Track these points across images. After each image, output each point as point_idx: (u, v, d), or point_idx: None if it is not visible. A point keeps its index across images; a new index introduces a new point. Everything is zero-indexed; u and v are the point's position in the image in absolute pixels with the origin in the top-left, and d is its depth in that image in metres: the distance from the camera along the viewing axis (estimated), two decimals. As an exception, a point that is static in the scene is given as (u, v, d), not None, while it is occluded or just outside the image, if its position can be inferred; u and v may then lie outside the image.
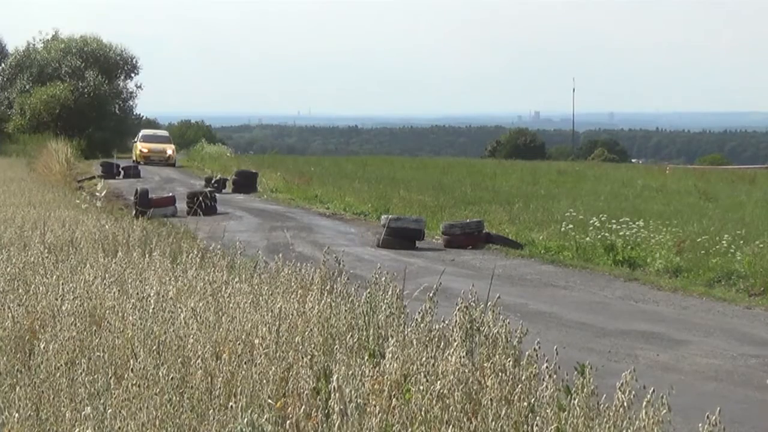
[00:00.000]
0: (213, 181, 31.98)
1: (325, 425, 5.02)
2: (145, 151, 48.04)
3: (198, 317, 6.72)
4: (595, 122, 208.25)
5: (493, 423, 4.90)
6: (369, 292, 6.97)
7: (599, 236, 17.60)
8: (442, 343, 6.16)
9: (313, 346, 6.23)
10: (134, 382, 5.21)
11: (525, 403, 5.14)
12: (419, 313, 6.42)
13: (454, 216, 21.88)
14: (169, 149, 49.18)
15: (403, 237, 18.62)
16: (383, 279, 7.23)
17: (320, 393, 5.33)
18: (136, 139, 50.41)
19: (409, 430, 5.03)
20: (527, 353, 5.56)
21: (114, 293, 7.65)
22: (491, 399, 5.05)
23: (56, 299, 7.26)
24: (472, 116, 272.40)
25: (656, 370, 9.35)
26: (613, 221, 18.11)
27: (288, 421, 4.95)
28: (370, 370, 5.50)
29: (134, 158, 47.63)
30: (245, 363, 5.77)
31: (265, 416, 4.93)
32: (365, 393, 5.24)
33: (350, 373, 5.37)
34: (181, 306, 7.08)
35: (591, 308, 12.78)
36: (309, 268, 8.55)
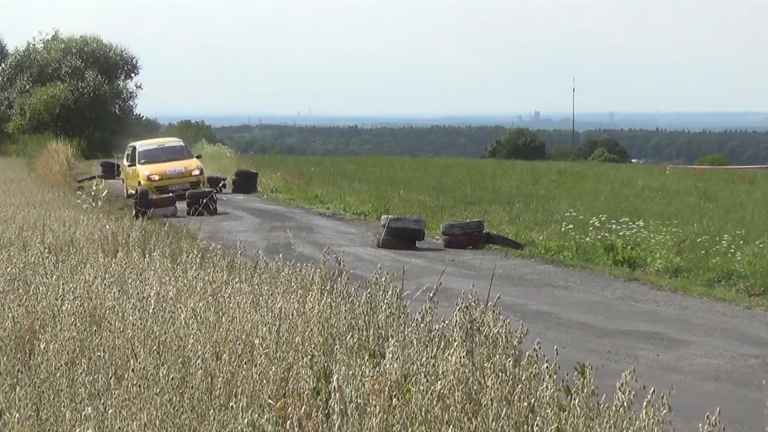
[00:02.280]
0: (221, 184, 31.56)
1: (325, 425, 5.02)
2: (156, 177, 29.15)
3: (198, 317, 6.73)
4: (595, 122, 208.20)
5: (494, 423, 4.91)
6: (369, 292, 6.98)
7: (599, 236, 17.60)
8: (443, 343, 6.17)
9: (313, 346, 6.23)
10: (134, 382, 5.21)
11: (525, 403, 5.14)
12: (419, 313, 6.42)
13: (454, 216, 21.88)
14: (194, 166, 30.16)
15: (403, 237, 18.62)
16: (383, 279, 7.23)
17: (320, 393, 5.33)
18: (129, 159, 31.03)
19: (410, 430, 5.03)
20: (527, 353, 5.56)
21: (114, 293, 7.66)
22: (491, 399, 5.06)
23: (56, 299, 7.26)
24: (472, 116, 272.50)
25: (656, 370, 9.35)
26: (613, 221, 18.11)
27: (288, 421, 4.95)
28: (370, 370, 5.51)
29: (128, 191, 29.68)
30: (245, 363, 5.78)
31: (266, 416, 4.94)
32: (365, 393, 5.24)
33: (350, 373, 5.38)
34: (181, 306, 7.08)
35: (591, 308, 12.77)
36: (309, 268, 8.55)
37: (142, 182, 28.74)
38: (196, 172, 29.67)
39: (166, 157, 30.29)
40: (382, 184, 31.56)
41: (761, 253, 15.65)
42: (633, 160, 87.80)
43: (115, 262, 9.54)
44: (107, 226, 13.21)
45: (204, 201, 22.44)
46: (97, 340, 6.29)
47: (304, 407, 5.17)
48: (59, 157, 39.05)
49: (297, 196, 30.29)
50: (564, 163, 53.67)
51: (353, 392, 5.08)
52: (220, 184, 30.61)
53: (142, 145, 31.70)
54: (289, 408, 5.31)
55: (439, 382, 5.24)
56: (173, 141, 33.39)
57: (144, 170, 29.45)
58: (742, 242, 16.64)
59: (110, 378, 5.51)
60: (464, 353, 5.57)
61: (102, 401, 5.18)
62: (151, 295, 7.32)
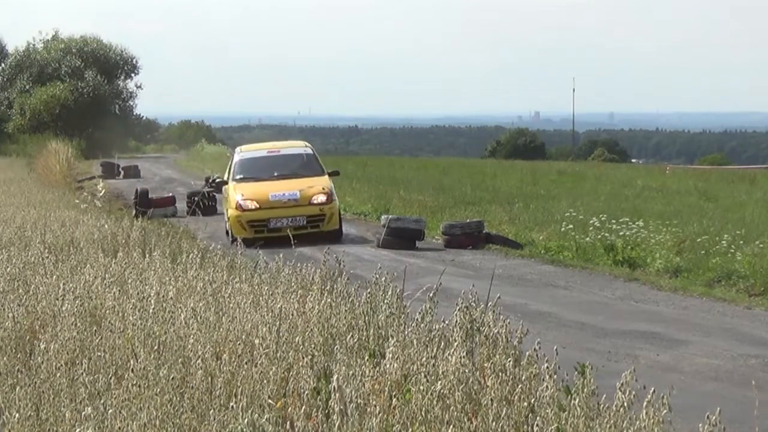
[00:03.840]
0: (211, 180, 31.67)
1: (325, 425, 5.02)
2: (252, 206, 18.70)
3: (198, 317, 6.73)
4: (595, 122, 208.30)
5: (494, 423, 4.91)
6: (369, 292, 6.98)
7: (599, 236, 17.59)
8: (443, 343, 6.17)
9: (313, 346, 6.23)
10: (135, 382, 5.21)
11: (525, 404, 5.14)
12: (419, 313, 6.42)
13: (454, 216, 21.87)
14: (319, 190, 19.19)
15: (403, 237, 18.61)
16: (383, 279, 7.23)
17: (320, 393, 5.33)
18: (232, 172, 20.09)
19: (410, 430, 5.03)
20: (527, 353, 5.56)
21: (114, 293, 7.66)
22: (491, 399, 5.05)
23: (56, 299, 7.27)
24: (472, 116, 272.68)
25: (656, 370, 9.35)
26: (613, 221, 18.10)
27: (288, 422, 4.95)
28: (370, 370, 5.51)
29: (227, 224, 19.28)
30: (245, 363, 5.78)
31: (266, 416, 4.93)
32: (365, 393, 5.24)
33: (350, 373, 5.38)
34: (181, 306, 7.09)
35: (591, 308, 12.77)
36: (309, 268, 8.56)
37: (230, 212, 18.89)
38: (320, 198, 18.97)
39: (279, 172, 19.85)
40: (382, 184, 31.55)
41: (761, 253, 15.63)
42: (633, 160, 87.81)
43: (115, 262, 9.55)
44: (107, 226, 13.21)
45: (196, 200, 22.04)
46: (97, 340, 6.29)
47: (304, 407, 5.17)
48: (59, 157, 39.02)
49: (297, 196, 30.21)
50: (564, 163, 53.62)
51: (353, 392, 5.08)
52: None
53: (245, 151, 21.03)
54: (289, 408, 5.31)
55: (439, 382, 5.24)
56: (295, 146, 21.98)
57: (236, 194, 18.94)
58: (742, 242, 16.63)
59: (110, 378, 5.52)
60: (464, 353, 5.57)
61: (102, 401, 5.18)
62: (151, 295, 7.32)
